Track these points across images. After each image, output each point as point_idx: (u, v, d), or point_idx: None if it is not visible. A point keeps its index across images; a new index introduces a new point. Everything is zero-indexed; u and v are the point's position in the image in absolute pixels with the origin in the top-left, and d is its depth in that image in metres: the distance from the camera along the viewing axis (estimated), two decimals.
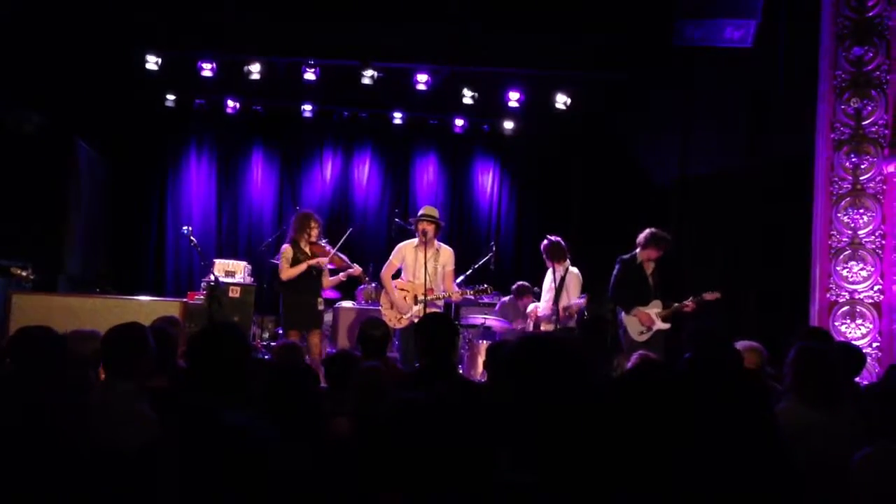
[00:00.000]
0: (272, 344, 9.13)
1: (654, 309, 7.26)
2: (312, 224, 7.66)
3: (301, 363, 4.83)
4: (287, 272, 7.58)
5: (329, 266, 7.83)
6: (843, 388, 3.40)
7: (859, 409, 3.43)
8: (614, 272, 7.45)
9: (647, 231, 7.33)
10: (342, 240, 8.09)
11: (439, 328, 4.03)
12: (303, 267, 7.55)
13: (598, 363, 4.48)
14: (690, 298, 7.18)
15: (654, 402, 2.36)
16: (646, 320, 7.23)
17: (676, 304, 7.18)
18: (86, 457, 2.72)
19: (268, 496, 1.50)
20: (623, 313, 7.39)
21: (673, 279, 7.45)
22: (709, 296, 7.15)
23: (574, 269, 7.77)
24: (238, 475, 1.47)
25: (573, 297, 7.68)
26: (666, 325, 7.22)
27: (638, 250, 7.36)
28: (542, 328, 7.78)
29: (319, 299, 7.69)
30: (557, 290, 7.58)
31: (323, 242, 7.82)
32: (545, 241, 7.76)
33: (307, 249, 7.66)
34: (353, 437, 3.03)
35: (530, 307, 8.24)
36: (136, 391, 3.18)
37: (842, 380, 3.42)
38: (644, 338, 7.21)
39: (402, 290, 7.51)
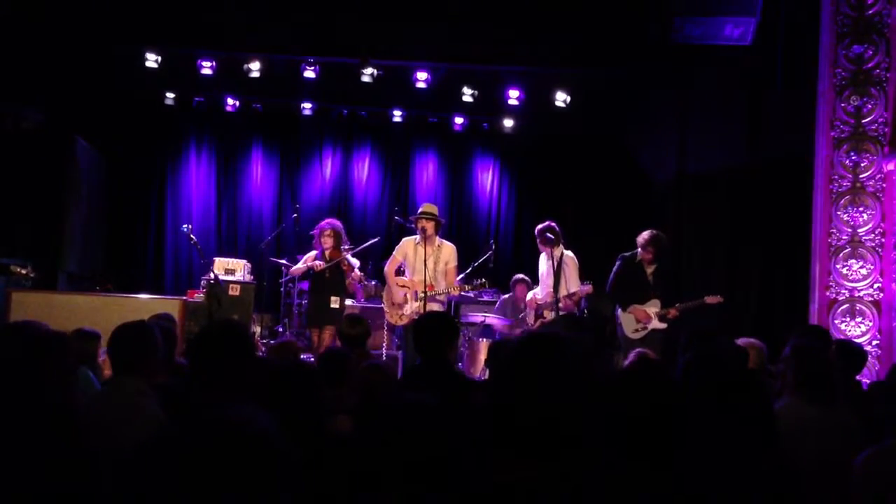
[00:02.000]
0: (271, 342, 9.15)
1: (651, 308, 7.27)
2: (323, 235, 8.10)
3: (298, 360, 4.84)
4: (293, 269, 8.42)
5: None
6: (840, 386, 3.41)
7: (860, 406, 3.43)
8: (614, 269, 7.46)
9: (647, 232, 7.34)
10: (360, 247, 8.60)
11: (436, 326, 4.03)
12: (301, 268, 8.22)
13: (600, 361, 4.48)
14: (676, 305, 7.19)
15: (654, 401, 2.37)
16: (642, 318, 7.25)
17: (665, 309, 7.20)
18: (93, 454, 2.72)
19: (272, 492, 1.50)
20: (620, 310, 7.40)
21: (672, 279, 7.45)
22: (711, 299, 7.14)
23: (569, 253, 7.72)
24: (242, 470, 1.47)
25: (572, 282, 7.59)
26: (662, 325, 7.22)
27: (639, 250, 7.37)
28: (546, 315, 7.71)
29: (334, 297, 7.99)
30: (556, 277, 7.54)
31: (345, 248, 8.18)
32: (540, 226, 7.72)
33: (328, 257, 8.08)
34: (354, 436, 3.04)
35: (529, 295, 8.18)
36: (143, 388, 3.19)
37: (839, 377, 3.42)
38: (639, 335, 7.22)
39: (404, 286, 7.56)
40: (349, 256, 8.21)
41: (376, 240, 9.02)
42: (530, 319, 7.97)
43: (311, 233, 8.35)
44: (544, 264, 7.84)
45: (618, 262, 7.46)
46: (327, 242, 8.05)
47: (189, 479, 1.45)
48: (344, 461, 2.39)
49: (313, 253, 8.21)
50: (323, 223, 8.27)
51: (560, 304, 7.46)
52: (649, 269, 7.36)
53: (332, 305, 7.95)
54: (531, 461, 1.77)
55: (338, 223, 8.30)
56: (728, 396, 2.37)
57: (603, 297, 7.73)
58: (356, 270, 8.38)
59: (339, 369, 4.04)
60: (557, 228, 7.68)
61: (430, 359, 3.89)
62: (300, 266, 8.26)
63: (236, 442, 1.49)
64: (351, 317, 5.30)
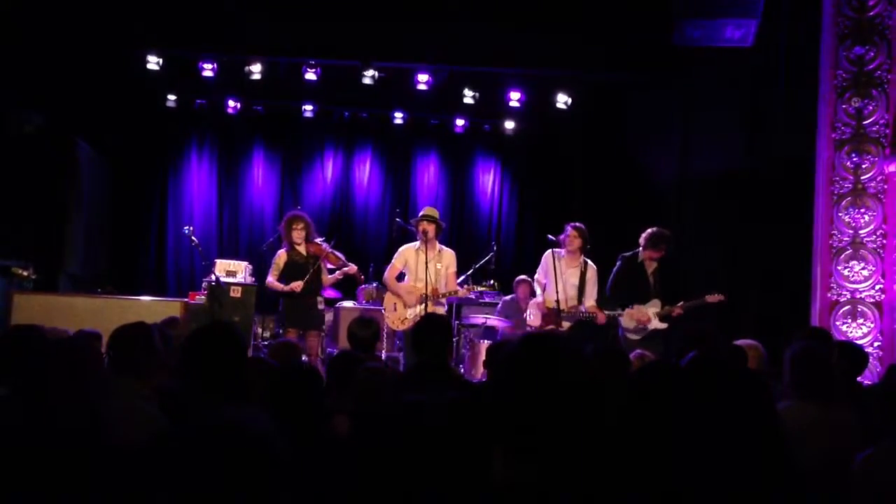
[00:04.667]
0: (271, 343, 9.15)
1: (652, 308, 7.25)
2: (294, 226, 7.73)
3: (300, 361, 4.84)
4: (269, 283, 7.77)
5: (328, 265, 7.97)
6: (840, 387, 3.42)
7: (861, 407, 3.43)
8: (615, 269, 7.43)
9: (649, 231, 7.30)
10: (334, 240, 8.17)
11: (432, 328, 4.01)
12: (278, 287, 7.66)
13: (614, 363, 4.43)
14: (680, 303, 7.16)
15: (657, 402, 2.36)
16: (642, 319, 7.23)
17: (667, 308, 7.18)
18: (91, 456, 2.73)
19: (269, 492, 1.50)
20: (619, 310, 7.38)
21: (673, 279, 7.41)
22: (711, 298, 7.12)
23: (591, 263, 7.51)
24: (239, 471, 1.47)
25: (593, 293, 7.44)
26: (663, 325, 7.20)
27: (640, 249, 7.34)
28: (563, 325, 7.25)
29: (319, 298, 7.80)
30: (581, 286, 7.41)
31: (320, 241, 7.89)
32: (580, 227, 7.41)
33: (303, 251, 7.75)
34: (351, 436, 3.04)
35: (538, 296, 7.61)
36: (142, 390, 3.20)
37: (839, 378, 3.43)
38: (639, 336, 7.21)
39: (408, 293, 7.50)
40: (334, 251, 7.93)
41: (332, 242, 8.61)
42: (535, 322, 7.58)
43: (278, 228, 8.03)
44: (560, 267, 7.32)
45: (618, 263, 7.42)
46: (300, 235, 7.67)
47: (188, 479, 1.45)
48: (342, 462, 2.39)
49: (282, 252, 7.77)
50: (290, 213, 7.92)
51: (594, 316, 7.20)
52: (650, 269, 7.34)
53: (318, 307, 7.74)
54: (531, 461, 1.77)
55: (304, 213, 7.94)
56: (730, 397, 2.37)
57: (603, 300, 7.68)
58: (351, 265, 8.09)
59: (348, 372, 4.03)
60: None
61: (427, 361, 3.88)
62: (277, 285, 7.63)
63: (234, 443, 1.49)
64: (361, 319, 5.24)
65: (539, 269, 7.65)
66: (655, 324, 7.20)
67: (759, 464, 2.23)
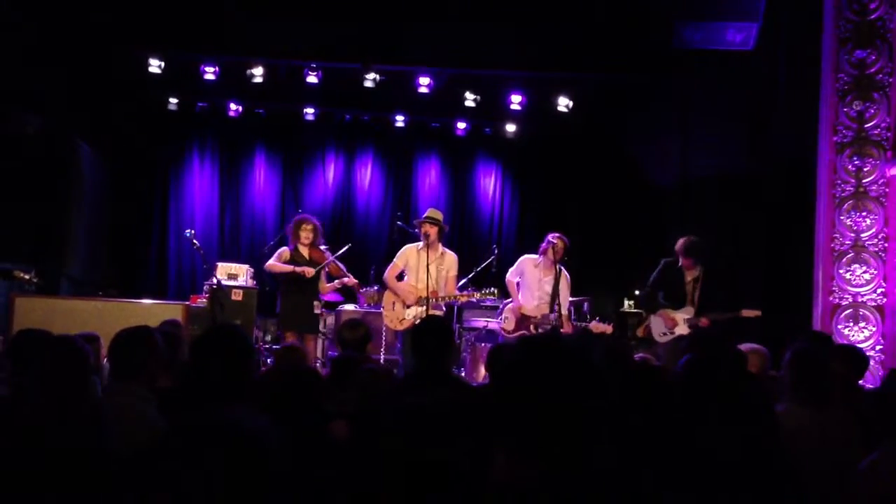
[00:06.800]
0: (274, 347, 9.14)
1: (684, 314, 7.23)
2: (303, 227, 7.77)
3: (304, 365, 4.84)
4: (270, 264, 7.77)
5: (327, 273, 8.04)
6: (838, 390, 3.42)
7: (862, 412, 3.43)
8: (655, 271, 7.47)
9: (682, 239, 7.34)
10: (340, 252, 8.14)
11: (433, 331, 4.00)
12: (286, 269, 7.67)
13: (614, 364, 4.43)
14: (709, 315, 7.14)
15: (654, 404, 2.36)
16: (668, 323, 7.23)
17: (694, 318, 7.18)
18: (92, 458, 2.73)
19: (267, 493, 1.50)
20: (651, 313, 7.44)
21: (714, 290, 7.33)
22: (748, 312, 7.10)
23: (566, 272, 7.60)
24: (239, 472, 1.47)
25: (566, 301, 7.54)
26: (688, 331, 7.20)
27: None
28: (533, 332, 7.36)
29: (316, 302, 7.80)
30: (554, 293, 7.47)
31: (323, 248, 7.94)
32: (564, 239, 7.51)
33: (306, 254, 7.78)
34: (351, 440, 3.04)
35: (514, 301, 7.68)
36: (143, 393, 3.19)
37: (838, 381, 3.43)
38: (665, 339, 7.22)
39: (407, 292, 7.50)
40: (336, 260, 8.00)
41: (349, 246, 8.58)
42: (508, 326, 7.59)
43: (286, 231, 8.08)
44: (537, 274, 7.57)
45: (659, 266, 7.46)
46: (308, 237, 7.70)
47: (187, 479, 1.45)
48: (342, 466, 2.39)
49: (285, 249, 7.80)
50: (301, 215, 7.98)
51: (563, 329, 7.23)
52: (689, 276, 7.34)
53: (315, 311, 7.75)
54: (531, 461, 1.77)
55: (313, 217, 8.02)
56: (727, 399, 2.37)
57: (602, 302, 7.69)
58: (351, 277, 8.19)
59: (349, 375, 4.03)
60: None
61: (428, 363, 3.87)
62: (282, 266, 7.67)
63: (233, 444, 1.49)
64: (351, 321, 5.28)
65: (513, 270, 7.79)
66: (682, 329, 7.20)
67: (755, 464, 2.23)
